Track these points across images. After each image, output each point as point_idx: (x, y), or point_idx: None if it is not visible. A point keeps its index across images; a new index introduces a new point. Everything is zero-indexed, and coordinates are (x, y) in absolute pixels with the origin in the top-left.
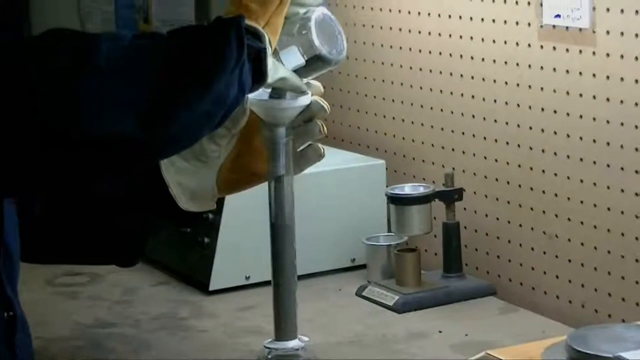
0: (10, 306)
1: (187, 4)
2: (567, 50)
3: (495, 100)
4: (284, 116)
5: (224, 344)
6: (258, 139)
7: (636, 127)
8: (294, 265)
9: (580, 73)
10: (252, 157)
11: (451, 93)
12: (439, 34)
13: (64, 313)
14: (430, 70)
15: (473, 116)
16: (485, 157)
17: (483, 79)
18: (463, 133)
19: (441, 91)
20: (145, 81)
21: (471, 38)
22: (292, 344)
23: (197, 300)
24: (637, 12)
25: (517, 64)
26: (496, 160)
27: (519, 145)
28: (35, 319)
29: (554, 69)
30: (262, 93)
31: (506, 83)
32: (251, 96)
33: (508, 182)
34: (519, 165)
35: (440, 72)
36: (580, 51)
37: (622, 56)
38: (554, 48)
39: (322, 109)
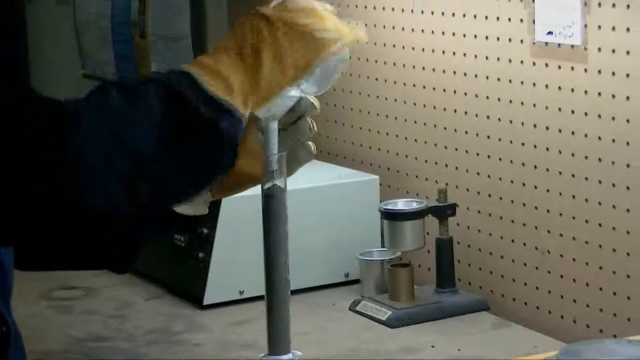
0: (3, 321)
1: (184, 19)
2: (559, 67)
3: (488, 117)
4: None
5: (218, 358)
6: (251, 140)
7: (627, 143)
8: (287, 280)
9: (572, 90)
10: (245, 159)
11: (444, 109)
12: (432, 51)
13: (58, 327)
14: (424, 87)
15: (466, 132)
16: (478, 173)
17: (476, 96)
18: (456, 149)
19: (434, 107)
20: (132, 158)
21: (464, 55)
22: (286, 358)
23: (191, 315)
24: (628, 29)
25: (510, 81)
26: (489, 176)
27: (511, 162)
28: (29, 332)
29: (546, 86)
30: None
31: (499, 99)
32: None
33: (501, 198)
34: (512, 181)
35: (434, 89)
36: (572, 68)
37: (613, 73)
38: (546, 65)
39: (312, 105)
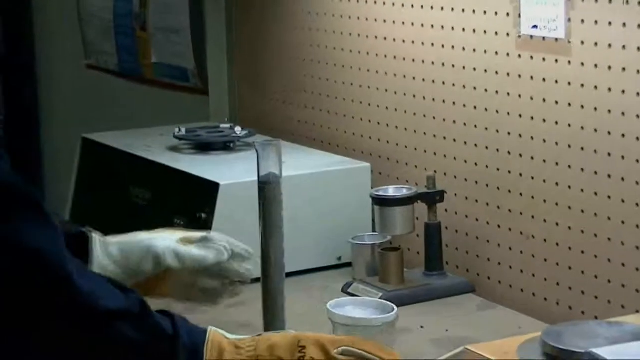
0: None
1: (183, 12)
2: (544, 59)
3: (475, 107)
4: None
5: None
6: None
7: (609, 133)
8: (282, 263)
9: (556, 81)
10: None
11: (434, 100)
12: (422, 43)
13: None
14: (414, 78)
15: (454, 122)
16: (465, 161)
17: (464, 87)
18: (445, 138)
19: (424, 98)
20: None
21: (453, 47)
22: None
23: None
24: (610, 23)
25: (497, 73)
26: (476, 164)
27: (497, 150)
28: None
29: (532, 77)
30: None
31: (486, 90)
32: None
33: (487, 185)
34: (498, 169)
35: (423, 80)
36: (556, 60)
37: (596, 65)
38: (532, 57)
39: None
